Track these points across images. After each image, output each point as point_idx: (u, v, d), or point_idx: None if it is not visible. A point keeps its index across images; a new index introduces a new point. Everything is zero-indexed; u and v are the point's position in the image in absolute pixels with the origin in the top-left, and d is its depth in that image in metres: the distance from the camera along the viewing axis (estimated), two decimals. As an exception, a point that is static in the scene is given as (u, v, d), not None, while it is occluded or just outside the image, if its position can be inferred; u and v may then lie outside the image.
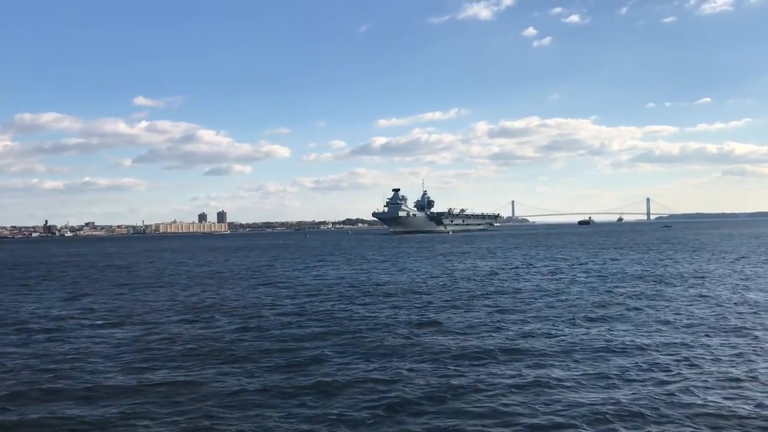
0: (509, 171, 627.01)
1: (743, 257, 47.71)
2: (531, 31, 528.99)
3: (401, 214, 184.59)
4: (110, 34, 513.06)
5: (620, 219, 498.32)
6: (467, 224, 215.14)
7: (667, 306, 22.66)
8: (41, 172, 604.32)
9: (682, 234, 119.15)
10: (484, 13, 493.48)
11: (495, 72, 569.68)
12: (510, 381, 12.85)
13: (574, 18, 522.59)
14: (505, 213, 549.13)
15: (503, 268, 42.29)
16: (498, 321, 20.29)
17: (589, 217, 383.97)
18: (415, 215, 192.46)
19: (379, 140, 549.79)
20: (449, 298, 26.50)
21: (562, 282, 32.11)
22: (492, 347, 16.08)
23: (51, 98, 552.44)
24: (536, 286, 30.45)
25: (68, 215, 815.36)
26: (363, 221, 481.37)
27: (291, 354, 15.91)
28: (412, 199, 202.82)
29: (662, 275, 34.25)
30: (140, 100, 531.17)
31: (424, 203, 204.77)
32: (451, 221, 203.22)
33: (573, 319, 20.29)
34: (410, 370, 13.99)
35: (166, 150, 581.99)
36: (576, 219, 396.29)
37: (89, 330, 20.56)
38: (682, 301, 23.81)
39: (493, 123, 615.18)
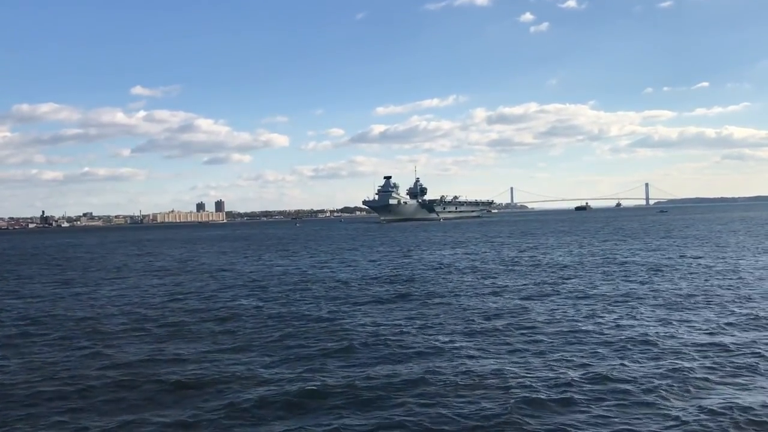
0: (508, 157, 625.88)
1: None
2: (528, 16, 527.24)
3: (392, 202, 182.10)
4: (107, 23, 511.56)
5: (618, 204, 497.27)
6: (460, 211, 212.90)
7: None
8: (40, 162, 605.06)
9: (665, 219, 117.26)
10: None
11: (493, 58, 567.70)
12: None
13: (571, 3, 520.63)
14: (504, 200, 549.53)
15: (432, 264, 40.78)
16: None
17: (586, 203, 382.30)
18: (406, 203, 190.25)
19: (378, 128, 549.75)
20: (336, 296, 24.40)
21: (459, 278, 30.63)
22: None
23: (49, 88, 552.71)
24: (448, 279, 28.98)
25: (67, 205, 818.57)
26: (360, 209, 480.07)
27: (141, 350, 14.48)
28: (408, 186, 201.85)
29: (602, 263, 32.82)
30: (138, 90, 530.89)
31: (417, 191, 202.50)
32: (444, 209, 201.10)
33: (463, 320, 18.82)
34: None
35: (164, 140, 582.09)
36: (574, 205, 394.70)
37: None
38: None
39: (492, 109, 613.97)
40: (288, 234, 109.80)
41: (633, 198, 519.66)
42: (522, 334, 15.90)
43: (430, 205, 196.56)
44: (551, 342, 14.89)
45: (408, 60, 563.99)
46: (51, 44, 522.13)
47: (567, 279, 27.25)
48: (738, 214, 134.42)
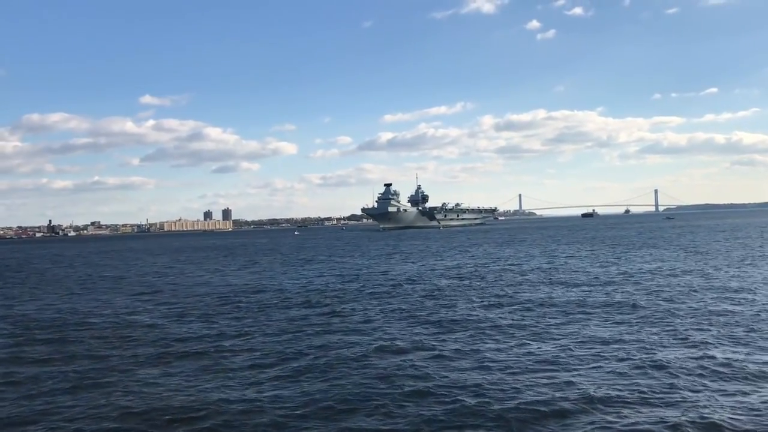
0: (516, 164, 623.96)
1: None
2: (535, 24, 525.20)
3: (391, 209, 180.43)
4: (115, 32, 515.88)
5: (627, 211, 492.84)
6: (462, 219, 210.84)
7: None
8: (51, 172, 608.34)
9: (660, 226, 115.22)
10: (486, 6, 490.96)
11: (500, 65, 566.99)
12: None
13: (578, 10, 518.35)
14: (513, 206, 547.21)
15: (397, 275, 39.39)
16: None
17: (593, 210, 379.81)
18: (405, 210, 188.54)
19: (385, 135, 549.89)
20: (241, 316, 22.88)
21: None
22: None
23: (58, 98, 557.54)
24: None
25: (77, 215, 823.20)
26: (367, 217, 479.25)
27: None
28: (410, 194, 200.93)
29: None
30: (147, 99, 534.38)
31: (418, 198, 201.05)
32: (445, 216, 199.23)
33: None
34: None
35: (173, 148, 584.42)
36: (582, 212, 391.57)
37: None
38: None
39: (499, 116, 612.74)
40: (274, 244, 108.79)
41: (642, 204, 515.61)
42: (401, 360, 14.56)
43: (430, 213, 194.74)
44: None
45: (415, 67, 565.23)
46: (61, 54, 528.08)
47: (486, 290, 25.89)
48: (742, 221, 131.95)
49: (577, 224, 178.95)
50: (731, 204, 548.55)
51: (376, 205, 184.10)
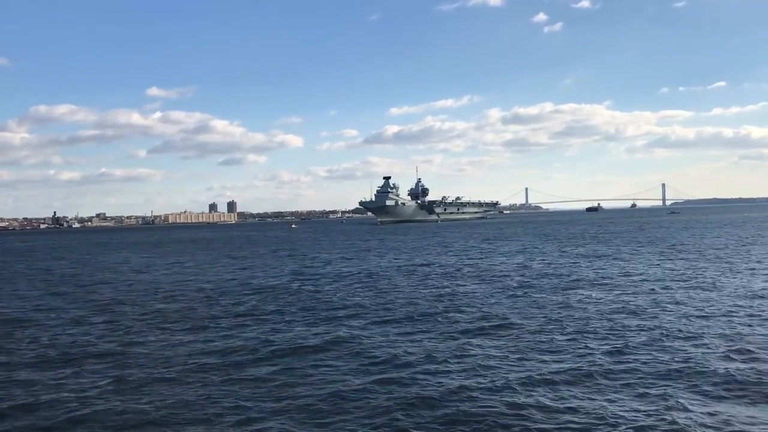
0: (523, 158, 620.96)
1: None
2: (542, 16, 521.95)
3: (388, 202, 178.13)
4: (123, 25, 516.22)
5: (634, 205, 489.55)
6: (462, 212, 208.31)
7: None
8: (58, 163, 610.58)
9: (659, 221, 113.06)
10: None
11: (507, 58, 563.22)
12: None
13: (585, 3, 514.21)
14: (520, 200, 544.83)
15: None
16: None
17: (598, 204, 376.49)
18: (404, 204, 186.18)
19: (392, 128, 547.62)
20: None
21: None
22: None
23: (65, 90, 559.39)
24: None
25: (85, 206, 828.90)
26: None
27: None
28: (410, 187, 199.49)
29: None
30: (153, 91, 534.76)
31: (418, 191, 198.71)
32: (444, 210, 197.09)
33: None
34: None
35: (180, 140, 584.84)
36: (588, 206, 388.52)
37: None
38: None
39: (506, 110, 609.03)
40: (260, 237, 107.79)
41: (650, 198, 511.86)
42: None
43: (429, 206, 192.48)
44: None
45: (422, 60, 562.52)
46: (68, 46, 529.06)
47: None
48: (749, 215, 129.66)
49: (577, 219, 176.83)
50: (740, 198, 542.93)
51: (374, 198, 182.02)
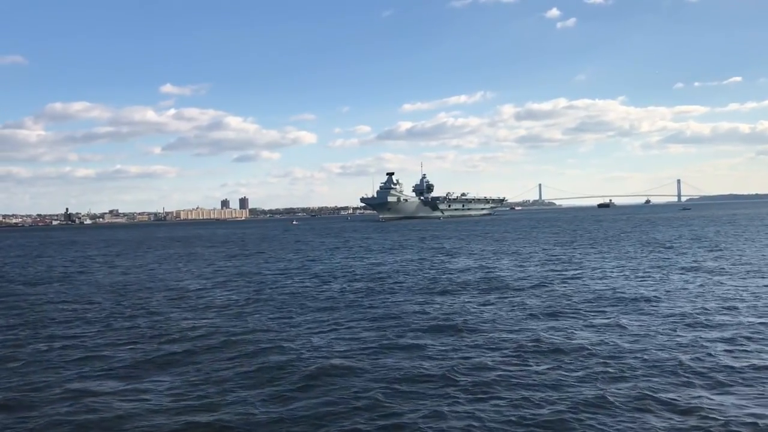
0: (537, 154, 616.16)
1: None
2: (554, 12, 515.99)
3: (390, 199, 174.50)
4: (137, 22, 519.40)
5: (648, 201, 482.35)
6: (467, 209, 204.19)
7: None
8: (73, 160, 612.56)
9: (666, 217, 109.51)
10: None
11: (520, 54, 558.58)
12: None
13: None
14: (533, 196, 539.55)
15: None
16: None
17: (610, 200, 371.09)
18: (407, 200, 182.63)
19: (404, 125, 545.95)
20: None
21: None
22: None
23: (81, 87, 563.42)
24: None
25: (100, 203, 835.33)
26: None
27: None
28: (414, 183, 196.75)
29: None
30: (167, 88, 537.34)
31: (423, 188, 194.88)
32: (449, 206, 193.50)
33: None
34: None
35: (194, 137, 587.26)
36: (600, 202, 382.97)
37: None
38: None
39: (520, 106, 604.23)
40: (254, 233, 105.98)
41: (664, 195, 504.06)
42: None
43: (433, 203, 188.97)
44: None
45: (434, 57, 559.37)
46: (82, 44, 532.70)
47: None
48: (762, 211, 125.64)
49: (587, 215, 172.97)
50: (756, 195, 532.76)
51: (376, 194, 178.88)
